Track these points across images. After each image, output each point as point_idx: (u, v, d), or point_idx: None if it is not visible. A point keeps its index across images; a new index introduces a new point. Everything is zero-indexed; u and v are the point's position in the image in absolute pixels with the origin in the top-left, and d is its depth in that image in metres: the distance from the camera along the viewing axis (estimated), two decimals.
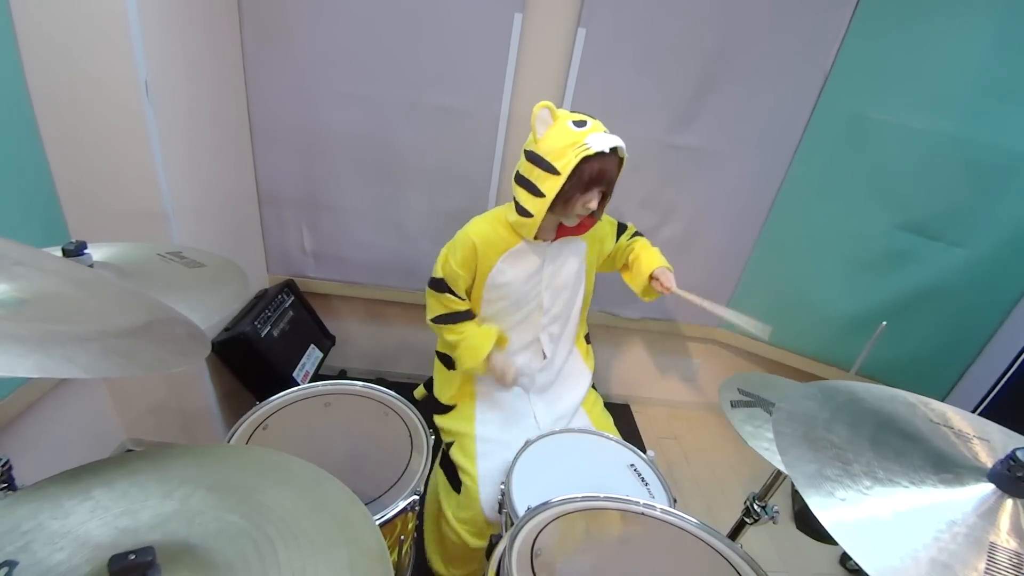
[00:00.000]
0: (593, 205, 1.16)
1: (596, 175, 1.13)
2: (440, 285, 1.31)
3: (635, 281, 1.41)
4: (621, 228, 1.45)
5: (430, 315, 1.36)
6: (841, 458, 0.62)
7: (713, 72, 1.72)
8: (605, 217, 1.40)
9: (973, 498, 0.56)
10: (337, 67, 1.68)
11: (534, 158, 1.16)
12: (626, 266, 1.47)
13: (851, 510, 0.55)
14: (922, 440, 0.65)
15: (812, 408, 0.71)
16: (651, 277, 1.35)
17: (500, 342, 1.33)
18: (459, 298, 1.31)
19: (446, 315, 1.33)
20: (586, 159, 1.10)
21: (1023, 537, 0.53)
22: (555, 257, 1.31)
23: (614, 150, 1.13)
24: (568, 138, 1.12)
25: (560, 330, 1.40)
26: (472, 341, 1.29)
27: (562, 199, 1.15)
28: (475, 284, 1.31)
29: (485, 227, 1.27)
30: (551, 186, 1.13)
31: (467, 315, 1.33)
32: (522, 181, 1.19)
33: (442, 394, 1.44)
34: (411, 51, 1.66)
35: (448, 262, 1.28)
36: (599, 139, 1.11)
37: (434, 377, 1.50)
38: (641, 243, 1.44)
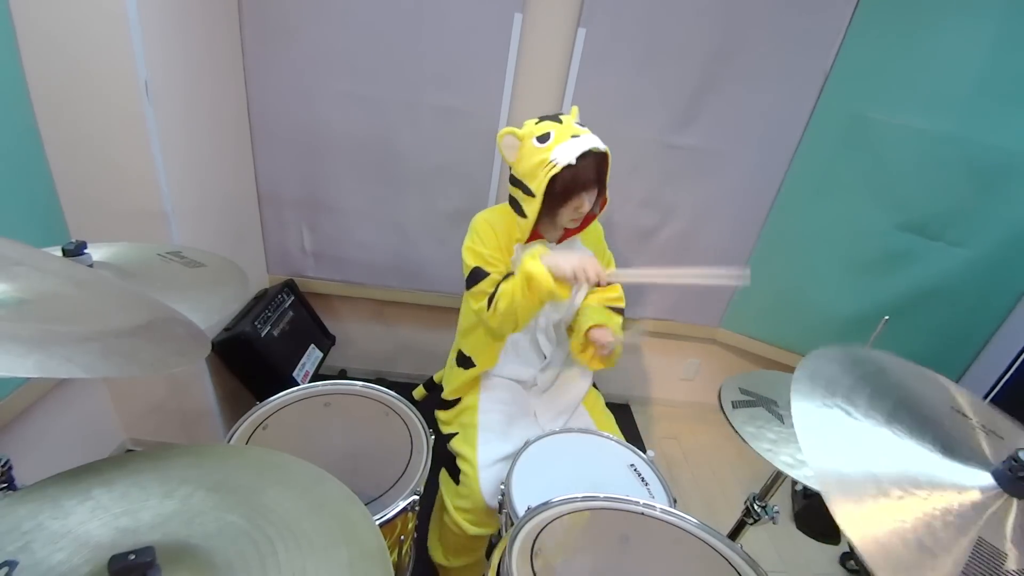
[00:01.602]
0: (584, 208, 1.15)
1: (570, 186, 1.12)
2: (476, 275, 1.21)
3: (573, 340, 1.33)
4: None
5: (483, 311, 1.21)
6: (848, 413, 0.62)
7: (713, 72, 1.72)
8: (608, 255, 1.40)
9: (973, 492, 0.56)
10: (337, 67, 1.68)
11: (514, 181, 1.18)
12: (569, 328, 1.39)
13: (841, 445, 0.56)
14: (938, 425, 0.64)
15: (836, 373, 0.69)
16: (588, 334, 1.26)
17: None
18: (498, 276, 1.22)
19: (494, 293, 1.20)
20: (555, 176, 1.09)
21: (1012, 538, 0.53)
22: None
23: (587, 153, 1.10)
24: (535, 157, 1.11)
25: (559, 332, 1.41)
26: (518, 275, 1.13)
27: (547, 215, 1.17)
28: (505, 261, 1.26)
29: (495, 215, 1.27)
30: (532, 208, 1.14)
31: (509, 275, 1.21)
32: (512, 202, 1.22)
33: (449, 391, 1.44)
34: (411, 51, 1.66)
35: (476, 249, 1.22)
36: (564, 152, 1.08)
37: (445, 374, 1.50)
38: (598, 303, 1.35)
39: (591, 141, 1.11)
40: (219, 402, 1.71)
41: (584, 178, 1.12)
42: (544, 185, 1.10)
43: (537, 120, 1.17)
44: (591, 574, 0.83)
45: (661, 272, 1.12)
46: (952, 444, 0.62)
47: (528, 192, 1.13)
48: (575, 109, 1.21)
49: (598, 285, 1.13)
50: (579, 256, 1.09)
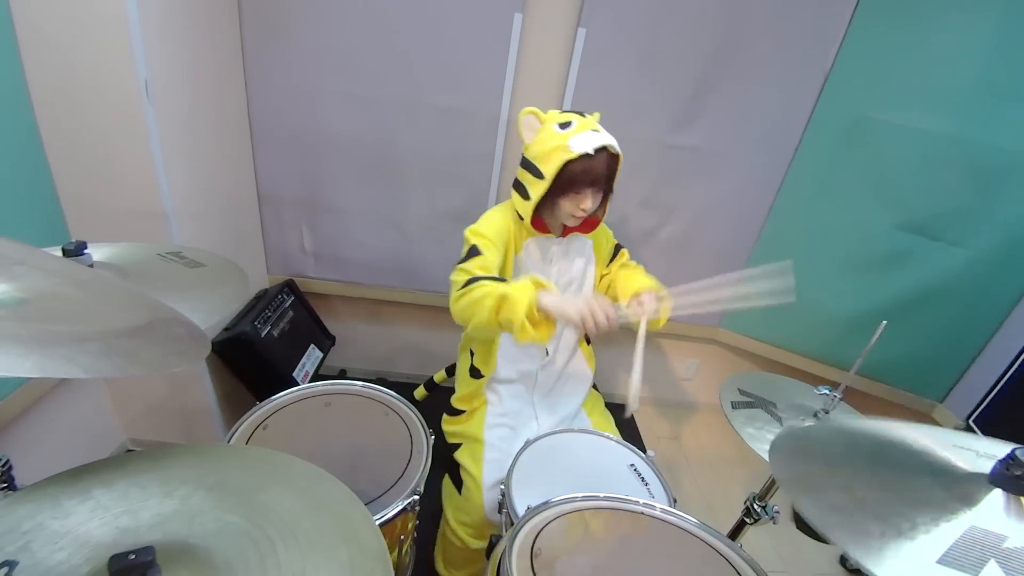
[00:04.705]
0: (586, 206, 1.14)
1: (578, 177, 1.11)
2: (471, 252, 1.13)
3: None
4: (616, 250, 1.43)
5: (456, 287, 1.09)
6: (830, 466, 0.62)
7: (713, 72, 1.72)
8: (608, 234, 1.40)
9: (977, 503, 0.56)
10: (337, 67, 1.68)
11: (525, 163, 1.18)
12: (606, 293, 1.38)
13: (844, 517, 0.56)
14: (925, 455, 0.65)
15: (812, 433, 0.72)
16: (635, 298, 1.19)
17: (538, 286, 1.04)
18: (490, 264, 1.13)
19: (471, 279, 1.07)
20: (569, 162, 1.09)
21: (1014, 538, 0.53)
22: (563, 255, 1.31)
23: (603, 148, 1.11)
24: (553, 141, 1.11)
25: (562, 328, 1.40)
26: (507, 288, 1.01)
27: (548, 203, 1.16)
28: (505, 264, 1.24)
29: (505, 213, 1.26)
30: (537, 190, 1.14)
31: (499, 280, 1.08)
32: (517, 185, 1.21)
33: (458, 395, 1.43)
34: (411, 51, 1.66)
35: (478, 232, 1.16)
36: (582, 141, 1.09)
37: (457, 379, 1.48)
38: (625, 270, 1.36)
39: (609, 139, 1.12)
40: (219, 402, 1.70)
41: (595, 173, 1.12)
42: (557, 169, 1.10)
43: (562, 111, 1.18)
44: (591, 574, 0.83)
45: (696, 296, 1.00)
46: (940, 468, 0.62)
47: (537, 174, 1.13)
48: (597, 115, 1.21)
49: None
50: (587, 300, 0.99)
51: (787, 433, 0.72)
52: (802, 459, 0.65)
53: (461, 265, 1.15)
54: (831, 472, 0.62)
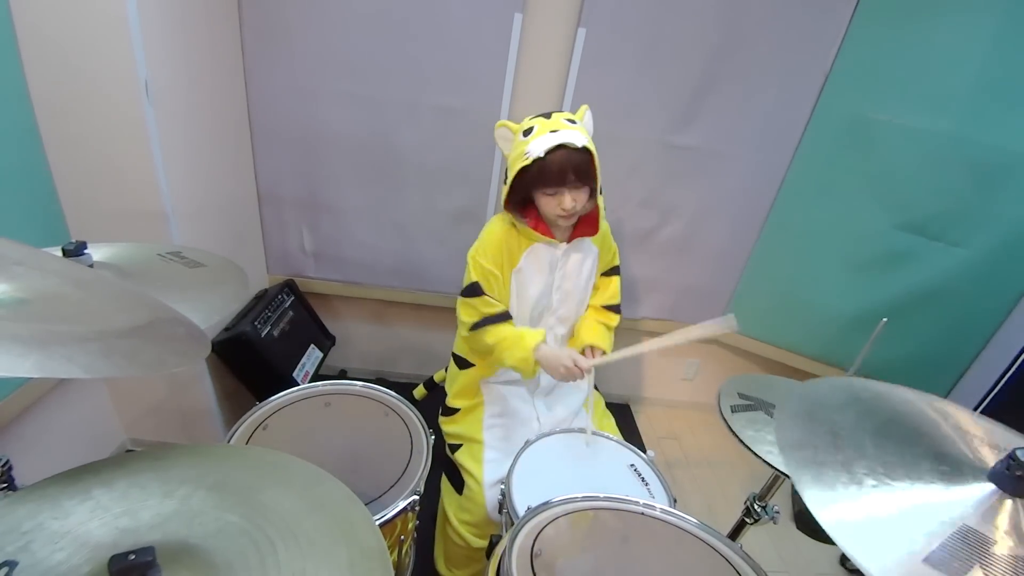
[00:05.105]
0: (566, 204, 1.14)
1: (536, 179, 1.13)
2: (474, 289, 1.26)
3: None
4: (613, 270, 1.43)
5: (465, 326, 1.29)
6: (835, 434, 0.62)
7: (713, 72, 1.72)
8: (613, 249, 1.41)
9: (969, 498, 0.56)
10: (337, 67, 1.68)
11: (504, 173, 1.22)
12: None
13: (839, 496, 0.55)
14: (929, 438, 0.64)
15: (827, 394, 0.71)
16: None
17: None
18: (494, 300, 1.27)
19: (481, 320, 1.26)
20: (524, 168, 1.11)
21: (1022, 537, 0.52)
22: (568, 260, 1.31)
23: (559, 148, 1.10)
24: (517, 150, 1.14)
25: (566, 332, 1.41)
26: (514, 339, 1.24)
27: (520, 207, 1.21)
28: (503, 281, 1.29)
29: (506, 223, 1.27)
30: (504, 193, 1.19)
31: (504, 316, 1.28)
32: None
33: (451, 393, 1.43)
34: (411, 51, 1.66)
35: (479, 263, 1.25)
36: (536, 145, 1.10)
37: (448, 378, 1.49)
38: (595, 315, 1.41)
39: (566, 136, 1.10)
40: (219, 402, 1.71)
41: (552, 172, 1.11)
42: (512, 175, 1.14)
43: (533, 116, 1.19)
44: (591, 574, 0.83)
45: (646, 345, 1.21)
46: (944, 454, 0.61)
47: (506, 181, 1.19)
48: (583, 108, 1.21)
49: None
50: (567, 367, 1.19)
51: (801, 394, 0.70)
52: (807, 426, 0.64)
53: (467, 300, 1.27)
54: (835, 444, 0.61)
